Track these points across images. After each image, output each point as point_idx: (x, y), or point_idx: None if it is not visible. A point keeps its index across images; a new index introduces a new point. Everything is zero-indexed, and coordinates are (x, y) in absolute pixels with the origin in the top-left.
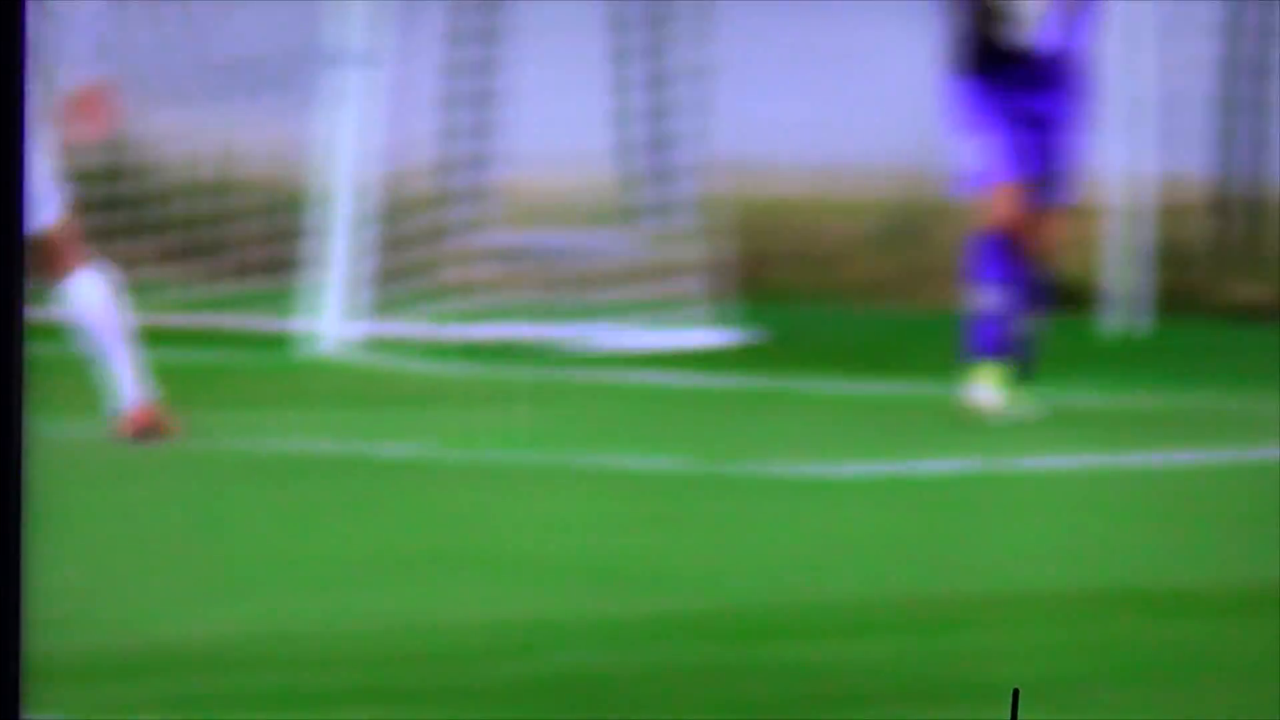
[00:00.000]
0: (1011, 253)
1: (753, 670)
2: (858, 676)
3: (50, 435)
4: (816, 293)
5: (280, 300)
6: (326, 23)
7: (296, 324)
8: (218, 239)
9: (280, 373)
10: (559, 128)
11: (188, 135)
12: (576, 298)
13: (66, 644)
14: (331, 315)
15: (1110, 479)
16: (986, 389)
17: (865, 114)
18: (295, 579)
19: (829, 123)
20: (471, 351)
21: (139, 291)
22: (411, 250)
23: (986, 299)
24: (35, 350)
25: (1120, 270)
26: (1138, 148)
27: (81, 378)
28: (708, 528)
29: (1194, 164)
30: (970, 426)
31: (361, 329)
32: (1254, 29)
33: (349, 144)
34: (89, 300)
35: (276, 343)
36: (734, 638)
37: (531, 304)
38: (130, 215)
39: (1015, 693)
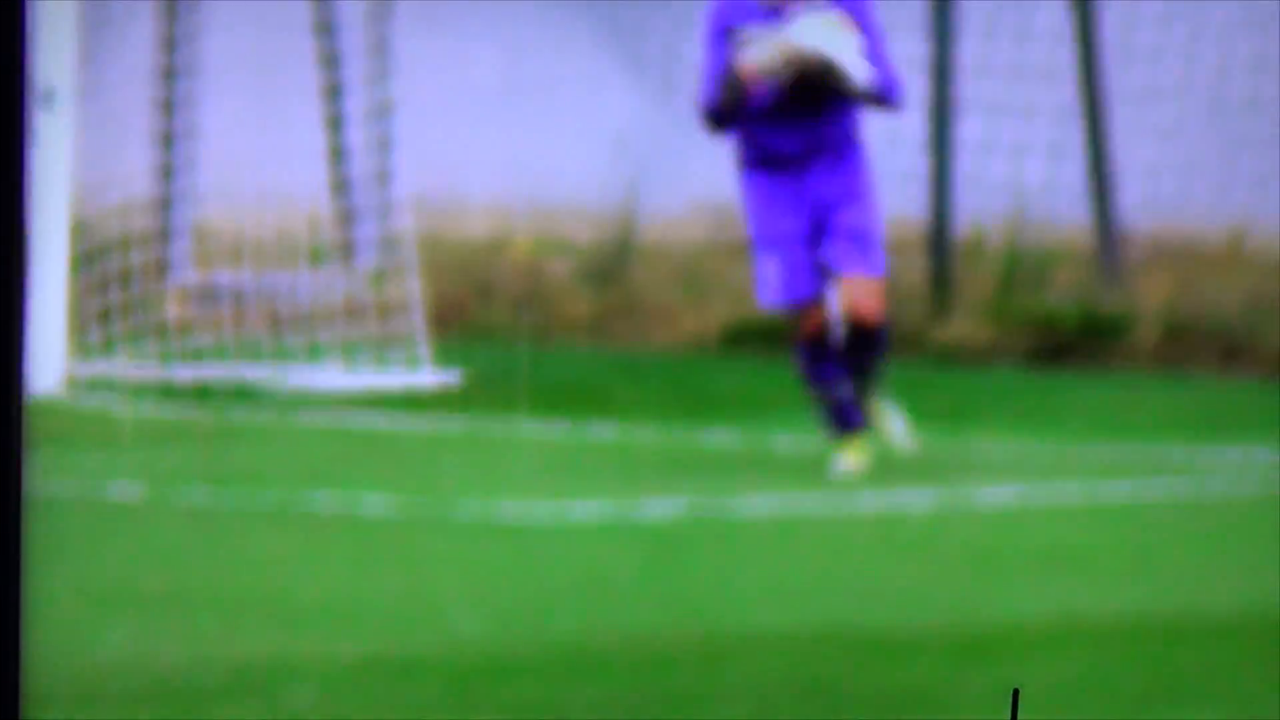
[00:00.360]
0: (824, 349)
1: (480, 708)
2: (578, 713)
3: None
4: (535, 330)
5: None
6: (33, 61)
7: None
8: None
9: None
10: (271, 165)
11: None
12: (291, 337)
13: None
14: (42, 355)
15: (821, 520)
16: (854, 458)
17: (577, 155)
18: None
19: (546, 163)
20: (184, 392)
21: None
22: (124, 290)
23: (833, 391)
24: None
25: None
26: None
27: None
28: (434, 569)
29: (904, 205)
30: (685, 468)
31: (74, 369)
32: (955, 68)
33: (53, 183)
34: None
35: None
36: (462, 677)
37: (244, 343)
38: None
39: (1015, 693)
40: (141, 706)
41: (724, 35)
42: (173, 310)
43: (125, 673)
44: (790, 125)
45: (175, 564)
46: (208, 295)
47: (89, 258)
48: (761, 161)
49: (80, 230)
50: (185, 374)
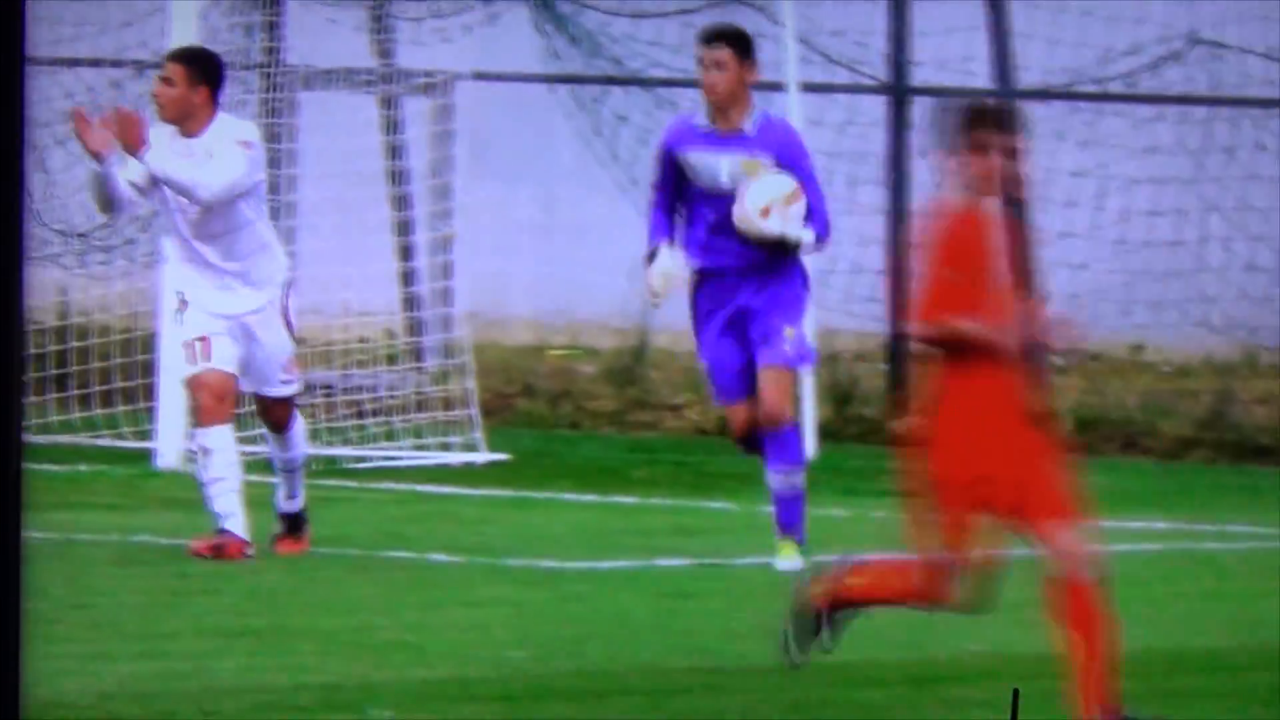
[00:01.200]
0: (757, 443)
1: None
2: None
3: None
4: (567, 420)
5: (135, 420)
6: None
7: (148, 441)
8: (86, 373)
9: (136, 481)
10: (354, 287)
11: (55, 289)
12: (372, 423)
13: None
14: (172, 434)
15: (799, 573)
16: (789, 560)
17: (601, 279)
18: (149, 647)
19: (576, 286)
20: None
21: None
22: None
23: (770, 483)
24: None
25: (812, 407)
26: (821, 308)
27: None
28: (488, 610)
29: (869, 322)
30: (691, 531)
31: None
32: (908, 213)
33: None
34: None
35: (134, 457)
36: (511, 698)
37: (334, 428)
38: None
39: (1015, 693)
40: (249, 717)
41: (671, 154)
42: None
43: (237, 694)
44: (729, 247)
45: (278, 605)
46: (305, 390)
47: None
48: (704, 274)
49: None
50: None
